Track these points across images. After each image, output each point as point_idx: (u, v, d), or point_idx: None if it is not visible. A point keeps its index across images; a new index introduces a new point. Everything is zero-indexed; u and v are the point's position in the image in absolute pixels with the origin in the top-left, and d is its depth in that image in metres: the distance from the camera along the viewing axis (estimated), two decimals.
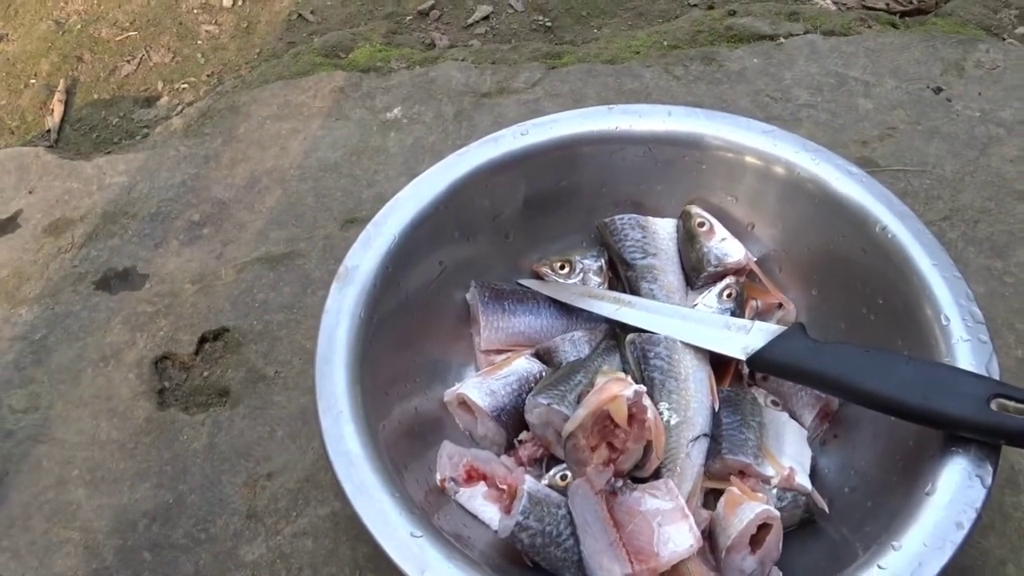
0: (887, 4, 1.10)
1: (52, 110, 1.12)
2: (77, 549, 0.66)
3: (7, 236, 0.89)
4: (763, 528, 0.56)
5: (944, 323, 0.57)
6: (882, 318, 0.63)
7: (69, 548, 0.67)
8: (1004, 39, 1.00)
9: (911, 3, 1.10)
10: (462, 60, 1.04)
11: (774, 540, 0.56)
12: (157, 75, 1.16)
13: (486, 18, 1.17)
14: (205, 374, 0.76)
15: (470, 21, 1.16)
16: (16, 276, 0.85)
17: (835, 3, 1.11)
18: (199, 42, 1.20)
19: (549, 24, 1.15)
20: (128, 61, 1.18)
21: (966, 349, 0.56)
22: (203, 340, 0.78)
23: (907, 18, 1.07)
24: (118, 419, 0.73)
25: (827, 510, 0.59)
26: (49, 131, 1.09)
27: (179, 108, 1.08)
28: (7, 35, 1.22)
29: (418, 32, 1.16)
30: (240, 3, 1.24)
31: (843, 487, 0.61)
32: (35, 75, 1.17)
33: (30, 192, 0.93)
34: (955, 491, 0.51)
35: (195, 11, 1.24)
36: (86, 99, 1.14)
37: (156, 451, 0.71)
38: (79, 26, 1.22)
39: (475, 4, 1.19)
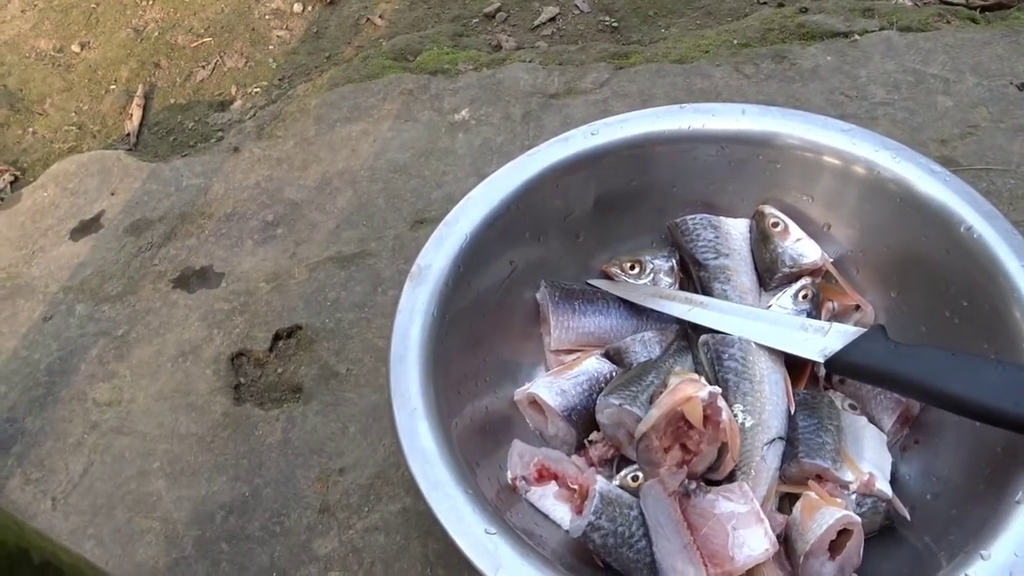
0: None
1: (131, 115, 1.15)
2: (158, 539, 0.68)
3: (91, 236, 0.92)
4: (843, 534, 0.55)
5: None
6: (966, 321, 0.61)
7: (150, 537, 0.69)
8: None
9: None
10: (529, 61, 1.05)
11: (854, 546, 0.55)
12: (231, 80, 1.19)
13: (552, 19, 1.17)
14: (279, 371, 0.78)
15: (536, 23, 1.17)
16: (99, 275, 0.88)
17: None
18: (271, 47, 1.23)
19: (616, 24, 1.15)
20: (203, 66, 1.21)
21: None
22: (277, 337, 0.80)
23: (988, 13, 1.04)
24: (196, 413, 0.75)
25: (908, 517, 0.58)
26: (128, 135, 1.13)
27: (252, 112, 1.10)
28: (89, 43, 1.27)
29: (484, 34, 1.16)
30: (310, 8, 1.27)
31: (925, 494, 0.59)
32: (115, 81, 1.21)
33: (112, 194, 0.97)
34: None
35: (267, 17, 1.27)
36: (163, 104, 1.17)
37: (233, 445, 0.73)
38: (156, 33, 1.26)
39: (541, 6, 1.19)
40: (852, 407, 0.63)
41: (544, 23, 1.17)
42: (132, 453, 0.73)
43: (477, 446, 0.61)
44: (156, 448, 0.73)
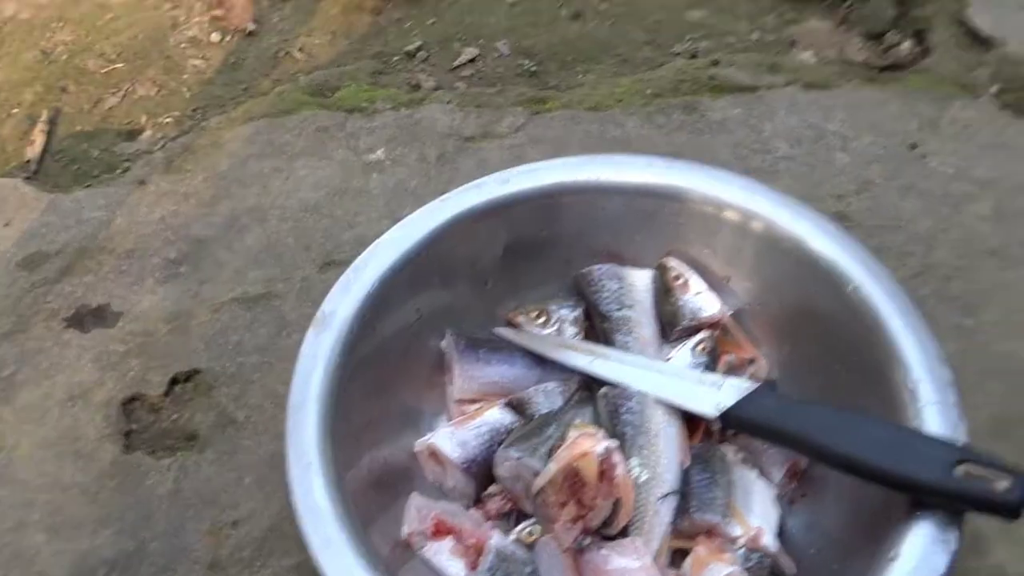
0: (866, 58, 1.12)
1: (34, 140, 1.11)
2: None
3: None
4: None
5: (913, 386, 0.57)
6: (856, 376, 0.63)
7: None
8: (978, 97, 1.02)
9: (889, 58, 1.12)
10: (447, 103, 1.05)
11: None
12: (141, 108, 1.16)
13: (472, 60, 1.18)
14: (174, 417, 0.75)
15: (456, 63, 1.17)
16: None
17: (816, 56, 1.13)
18: (185, 76, 1.20)
19: (535, 69, 1.16)
20: (113, 93, 1.18)
21: (934, 412, 0.56)
22: (174, 381, 0.78)
23: (885, 73, 1.09)
24: (83, 461, 0.72)
25: (795, 571, 0.59)
26: (29, 162, 1.09)
27: (162, 142, 1.08)
28: None
29: (404, 73, 1.16)
30: (228, 38, 1.25)
31: (810, 548, 0.61)
32: (18, 105, 1.17)
33: (6, 224, 0.93)
34: (919, 557, 0.51)
35: (183, 45, 1.24)
36: (69, 130, 1.13)
37: (120, 496, 0.70)
38: (65, 56, 1.23)
39: (461, 47, 1.20)
40: (744, 460, 0.65)
41: (464, 64, 1.17)
42: (10, 504, 0.70)
43: (373, 500, 0.60)
44: (37, 499, 0.70)
